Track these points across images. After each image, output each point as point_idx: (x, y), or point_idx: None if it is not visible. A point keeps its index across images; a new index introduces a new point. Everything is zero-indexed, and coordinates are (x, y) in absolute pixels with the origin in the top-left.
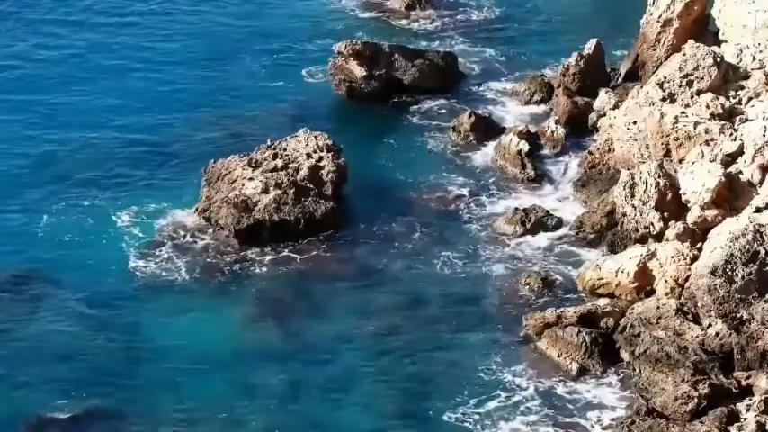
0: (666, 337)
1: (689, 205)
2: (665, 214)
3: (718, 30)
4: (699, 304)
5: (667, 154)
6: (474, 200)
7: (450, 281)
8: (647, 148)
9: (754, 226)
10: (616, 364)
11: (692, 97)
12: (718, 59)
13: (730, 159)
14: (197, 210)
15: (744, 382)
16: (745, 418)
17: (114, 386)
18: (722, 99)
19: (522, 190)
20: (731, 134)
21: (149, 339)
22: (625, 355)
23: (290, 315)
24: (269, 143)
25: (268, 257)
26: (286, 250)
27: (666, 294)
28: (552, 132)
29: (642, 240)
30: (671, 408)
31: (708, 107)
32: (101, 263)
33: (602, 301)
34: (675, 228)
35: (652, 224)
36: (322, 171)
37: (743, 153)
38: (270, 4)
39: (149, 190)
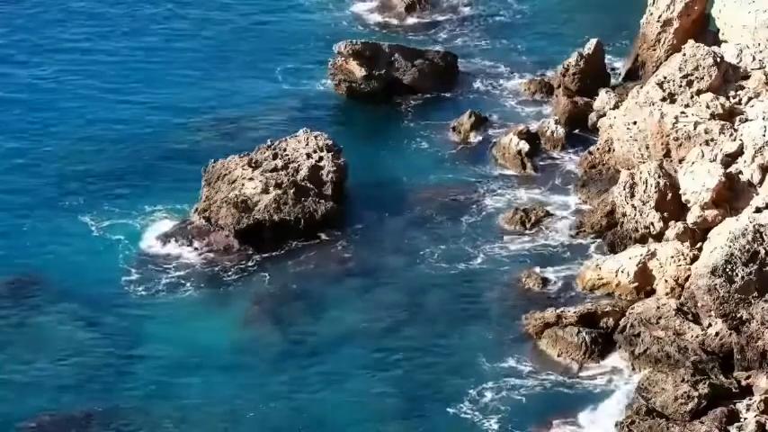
0: (666, 337)
1: (689, 205)
2: (665, 214)
3: (718, 30)
4: (699, 304)
5: (667, 154)
6: (474, 199)
7: (451, 280)
8: (647, 148)
9: (754, 226)
10: (615, 364)
11: (691, 97)
12: (718, 59)
13: (730, 159)
14: (197, 210)
15: (744, 382)
16: (745, 418)
17: (113, 386)
18: (722, 99)
19: (522, 189)
20: (731, 134)
21: (149, 339)
22: (625, 355)
23: (290, 314)
24: (269, 143)
25: (268, 257)
26: (286, 250)
27: (666, 294)
28: (552, 132)
29: (642, 240)
30: (671, 408)
31: (708, 107)
32: (100, 264)
33: (603, 302)
34: (675, 228)
35: (652, 224)
36: (322, 171)
37: (743, 153)
38: (270, 5)
39: (149, 190)
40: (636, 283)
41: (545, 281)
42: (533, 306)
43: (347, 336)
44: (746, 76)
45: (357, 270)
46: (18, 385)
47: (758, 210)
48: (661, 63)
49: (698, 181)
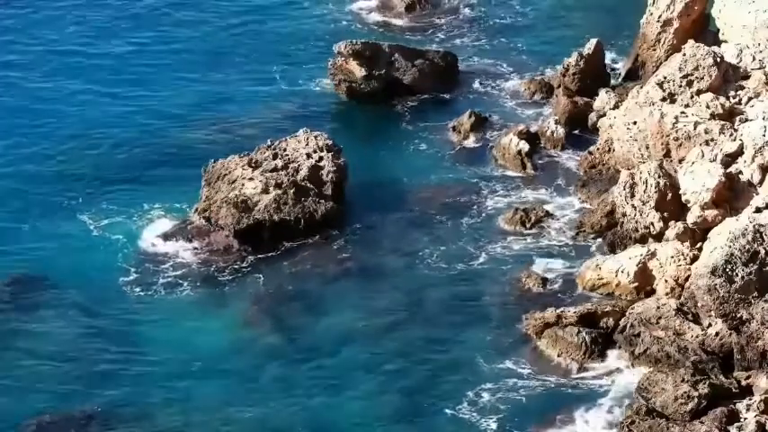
0: (666, 337)
1: (689, 205)
2: (665, 214)
3: (718, 30)
4: (699, 304)
5: (667, 154)
6: (474, 199)
7: (450, 280)
8: (647, 148)
9: (754, 226)
10: (615, 364)
11: (691, 97)
12: (718, 59)
13: (730, 159)
14: (197, 210)
15: (744, 382)
16: (745, 418)
17: (113, 386)
18: (722, 99)
19: (522, 190)
20: (731, 134)
21: (148, 340)
22: (625, 355)
23: (289, 314)
24: (269, 143)
25: (268, 257)
26: (286, 250)
27: (666, 294)
28: (552, 132)
29: (642, 240)
30: (671, 408)
31: (708, 107)
32: (100, 264)
33: (603, 302)
34: (675, 228)
35: (652, 224)
36: (322, 171)
37: (743, 153)
38: (269, 5)
39: (149, 190)
40: (636, 283)
41: (545, 281)
42: (533, 306)
43: (346, 336)
44: (746, 76)
45: (357, 270)
46: (18, 385)
47: (758, 210)
48: (661, 63)
49: (698, 181)
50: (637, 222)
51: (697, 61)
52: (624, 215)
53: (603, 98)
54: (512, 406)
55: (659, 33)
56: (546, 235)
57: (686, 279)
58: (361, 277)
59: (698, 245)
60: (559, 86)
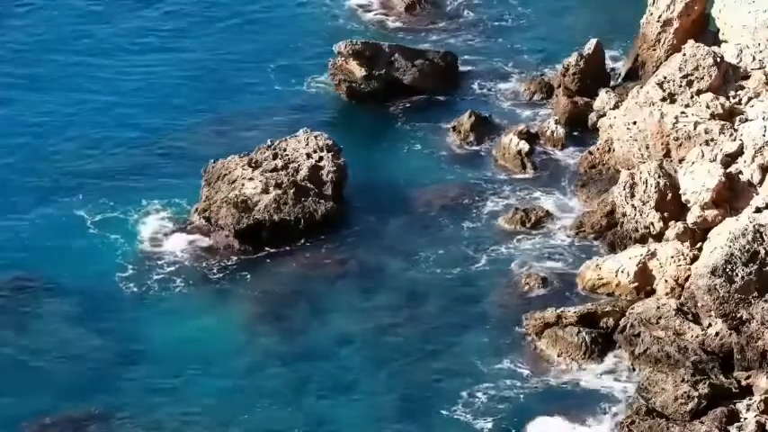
0: (666, 337)
1: (689, 205)
2: (665, 214)
3: (718, 30)
4: (699, 304)
5: (667, 154)
6: (474, 200)
7: (450, 280)
8: (647, 148)
9: (754, 226)
10: (615, 364)
11: (691, 97)
12: (718, 59)
13: (730, 159)
14: (197, 210)
15: (744, 382)
16: (745, 418)
17: (112, 386)
18: (722, 99)
19: (522, 190)
20: (731, 134)
21: (148, 340)
22: (625, 355)
23: (289, 315)
24: (269, 143)
25: (268, 257)
26: (286, 250)
27: (666, 294)
28: (552, 132)
29: (642, 240)
30: (671, 408)
31: (708, 107)
32: (99, 264)
33: (603, 302)
34: (675, 228)
35: (652, 224)
36: (322, 171)
37: (743, 153)
38: (270, 5)
39: (148, 190)
40: (636, 283)
41: (545, 281)
42: (533, 306)
43: (345, 336)
44: (746, 76)
45: (356, 271)
46: (15, 385)
47: (758, 210)
48: (661, 63)
49: (698, 181)
50: (637, 222)
51: (697, 61)
52: (624, 215)
53: (603, 98)
54: (511, 406)
55: (659, 33)
56: (546, 235)
57: (686, 279)
58: (360, 278)
59: (698, 245)
60: (559, 86)
